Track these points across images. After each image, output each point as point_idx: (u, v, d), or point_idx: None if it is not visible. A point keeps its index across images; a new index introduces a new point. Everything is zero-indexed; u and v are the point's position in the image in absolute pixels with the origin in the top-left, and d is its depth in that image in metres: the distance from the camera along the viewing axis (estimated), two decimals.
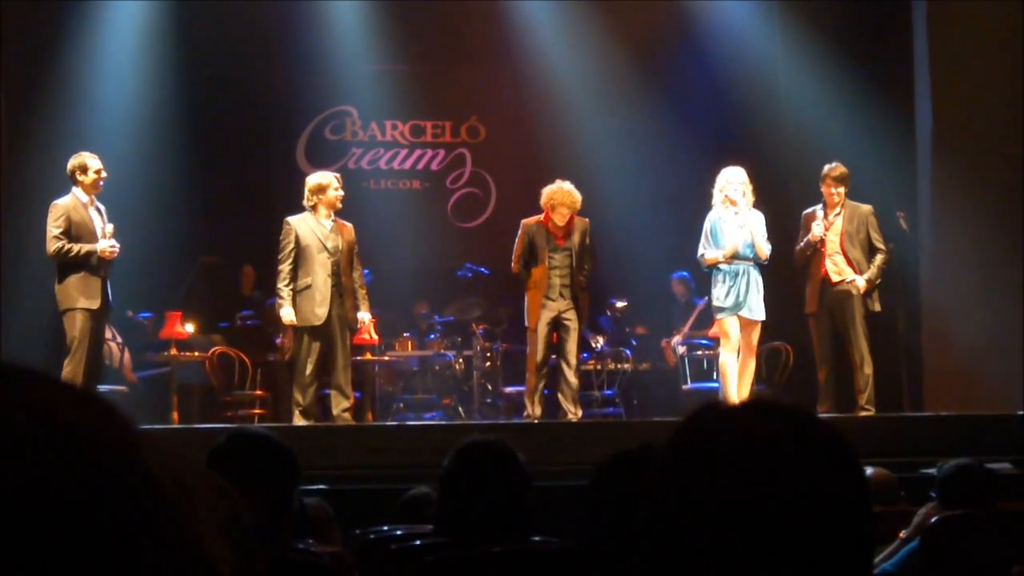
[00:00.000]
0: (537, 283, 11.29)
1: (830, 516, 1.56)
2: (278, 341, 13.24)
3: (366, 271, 11.67)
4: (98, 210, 10.61)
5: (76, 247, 10.33)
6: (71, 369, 10.16)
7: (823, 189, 11.53)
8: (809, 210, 11.60)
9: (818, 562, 1.54)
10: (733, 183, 11.13)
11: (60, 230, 10.32)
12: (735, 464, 1.57)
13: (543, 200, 11.41)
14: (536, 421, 11.10)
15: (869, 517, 1.62)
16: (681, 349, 13.73)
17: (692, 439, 1.64)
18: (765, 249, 11.10)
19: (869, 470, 6.65)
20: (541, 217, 11.40)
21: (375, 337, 12.59)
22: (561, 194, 11.36)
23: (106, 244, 10.43)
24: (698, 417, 1.67)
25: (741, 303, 11.04)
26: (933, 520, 5.13)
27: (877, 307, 11.45)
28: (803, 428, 1.64)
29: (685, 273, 14.11)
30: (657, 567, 1.59)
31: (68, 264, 10.37)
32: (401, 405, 13.82)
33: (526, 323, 11.45)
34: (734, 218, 11.09)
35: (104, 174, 10.61)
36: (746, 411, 1.67)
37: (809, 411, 1.70)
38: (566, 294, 11.31)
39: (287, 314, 10.84)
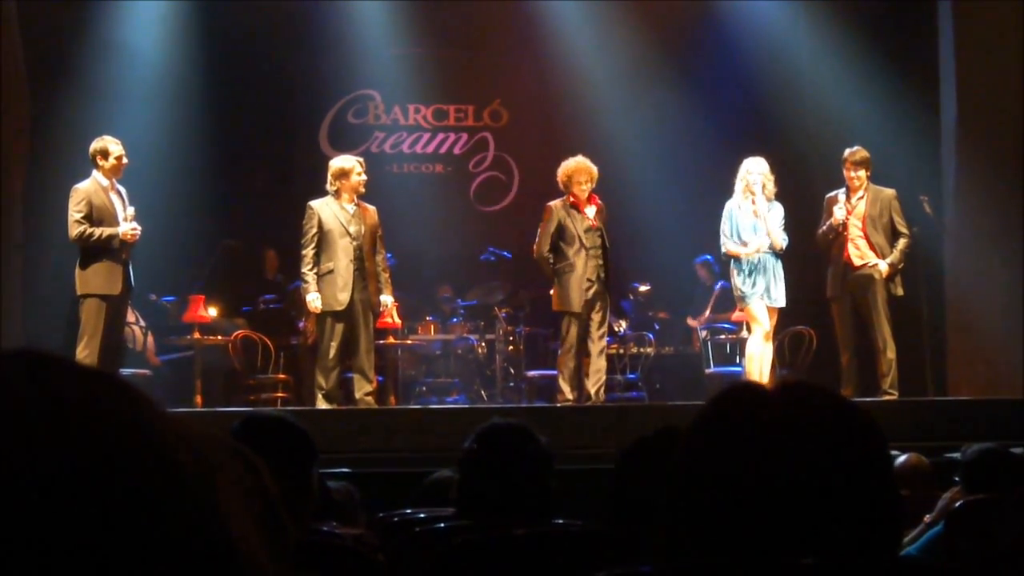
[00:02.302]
0: (572, 265, 11.22)
1: (859, 495, 1.56)
2: (301, 325, 13.25)
3: (389, 255, 11.67)
4: (119, 194, 10.62)
5: (98, 231, 10.34)
6: (85, 354, 10.16)
7: (844, 173, 11.52)
8: (831, 194, 11.59)
9: (844, 538, 1.54)
10: (754, 173, 11.14)
11: (82, 214, 10.33)
12: (765, 443, 1.57)
13: (562, 177, 11.36)
14: (568, 405, 11.08)
15: (896, 497, 1.61)
16: (703, 333, 13.72)
17: (722, 418, 1.64)
18: (780, 241, 11.11)
19: (904, 456, 6.65)
20: (567, 199, 11.35)
21: (398, 321, 12.60)
22: (578, 165, 11.32)
23: (128, 227, 10.44)
24: (728, 397, 1.67)
25: (764, 290, 11.05)
26: (957, 504, 5.11)
27: (900, 291, 11.42)
28: (832, 408, 1.64)
29: (709, 257, 14.08)
30: (684, 544, 1.59)
31: (90, 248, 10.38)
32: (424, 389, 13.82)
33: (560, 306, 11.35)
34: (752, 207, 11.10)
35: (125, 160, 10.62)
36: (776, 392, 1.67)
37: (837, 392, 1.70)
38: (598, 276, 11.27)
39: (313, 299, 10.84)
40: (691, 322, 14.32)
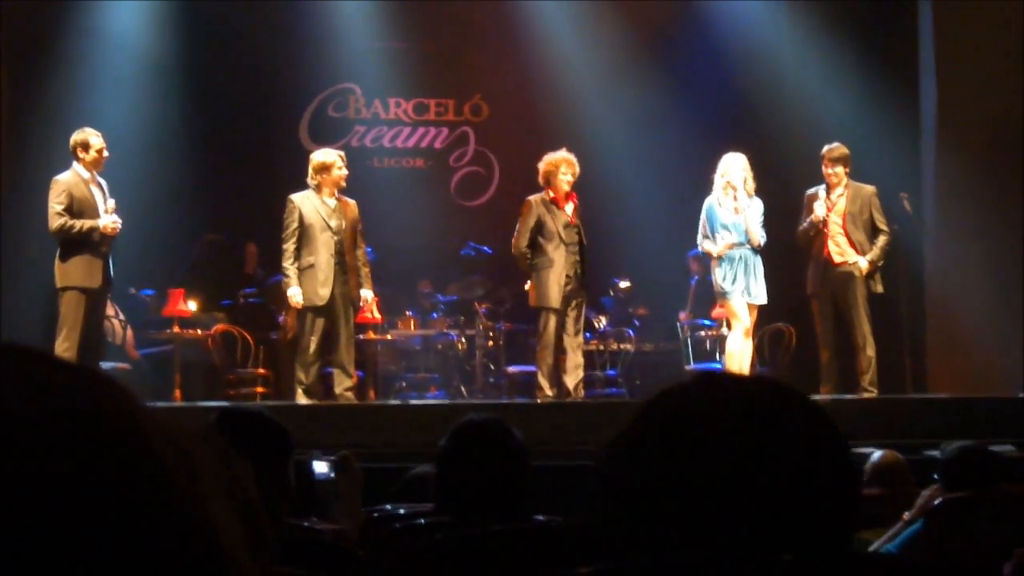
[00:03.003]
0: (551, 261, 11.21)
1: (813, 490, 1.56)
2: (281, 319, 13.23)
3: (369, 249, 11.65)
4: (99, 186, 10.59)
5: (79, 223, 10.31)
6: (64, 347, 10.13)
7: (823, 170, 11.55)
8: (811, 191, 11.62)
9: (800, 534, 1.54)
10: (735, 169, 11.15)
11: (62, 206, 10.30)
12: (718, 435, 1.57)
13: (545, 167, 11.35)
14: (547, 402, 11.08)
15: (853, 495, 1.61)
16: (685, 329, 13.73)
17: (674, 411, 1.63)
18: (758, 237, 11.13)
19: (880, 452, 6.66)
20: (545, 194, 11.34)
21: (378, 316, 12.58)
22: (561, 158, 11.32)
23: (109, 220, 10.42)
24: (678, 389, 1.66)
25: (744, 286, 11.07)
26: (936, 502, 5.12)
27: (879, 288, 11.46)
28: (784, 401, 1.63)
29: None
30: (634, 536, 1.59)
31: (70, 241, 10.35)
32: (403, 384, 13.81)
33: (538, 302, 11.34)
34: (731, 203, 11.12)
35: (107, 153, 10.60)
36: (729, 385, 1.67)
37: (787, 383, 1.70)
38: (576, 272, 11.27)
39: (294, 294, 10.82)
40: (681, 316, 14.22)
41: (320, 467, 5.74)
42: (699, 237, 11.28)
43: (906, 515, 5.65)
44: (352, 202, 11.15)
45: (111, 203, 10.54)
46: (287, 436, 3.85)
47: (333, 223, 10.89)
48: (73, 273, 10.36)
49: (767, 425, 1.58)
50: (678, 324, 14.01)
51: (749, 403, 1.61)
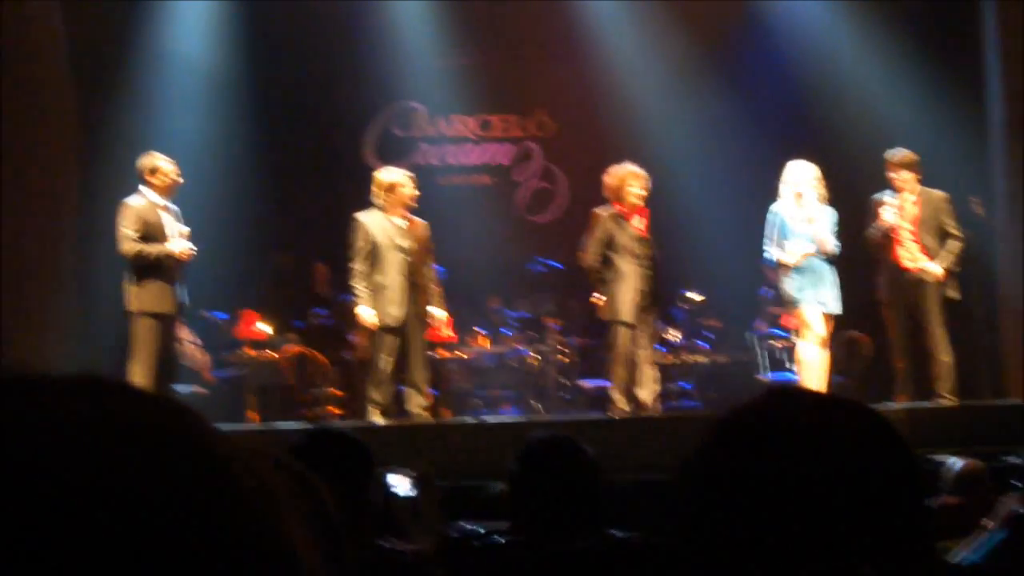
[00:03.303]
0: (623, 274, 11.18)
1: (884, 506, 1.56)
2: (353, 339, 13.27)
3: (442, 269, 11.67)
4: (170, 211, 10.64)
5: (153, 249, 10.34)
6: (138, 373, 10.16)
7: (887, 175, 11.47)
8: (877, 196, 11.52)
9: (871, 551, 1.54)
10: (806, 178, 11.08)
11: (133, 230, 10.35)
12: (781, 453, 1.57)
13: (614, 182, 11.32)
14: (623, 416, 11.04)
15: (921, 507, 1.62)
16: (757, 338, 13.66)
17: (739, 428, 1.64)
18: (829, 245, 11.04)
19: (961, 461, 6.58)
20: (614, 207, 11.31)
21: (453, 334, 12.60)
22: (631, 171, 11.30)
23: (185, 246, 10.46)
24: (744, 409, 1.66)
25: (815, 295, 10.99)
26: (1020, 511, 5.05)
27: (954, 294, 11.34)
28: (853, 418, 1.64)
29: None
30: (709, 554, 1.59)
31: (143, 266, 10.40)
32: (477, 401, 13.82)
33: (610, 315, 11.29)
34: (801, 212, 11.04)
35: (180, 179, 10.65)
36: (795, 402, 1.67)
37: (858, 400, 1.71)
38: (648, 285, 11.24)
39: (366, 313, 10.84)
40: (760, 326, 14.00)
41: (400, 484, 5.74)
42: (767, 244, 11.20)
43: (986, 522, 5.57)
44: (422, 222, 11.17)
45: (186, 230, 10.58)
46: (370, 456, 3.86)
47: (403, 242, 10.91)
48: (145, 298, 10.41)
49: (834, 441, 1.58)
50: (747, 334, 13.94)
51: (815, 420, 1.61)
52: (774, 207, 11.20)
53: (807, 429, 1.60)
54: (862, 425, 1.63)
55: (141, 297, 10.42)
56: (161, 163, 10.59)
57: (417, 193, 11.12)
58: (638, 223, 11.28)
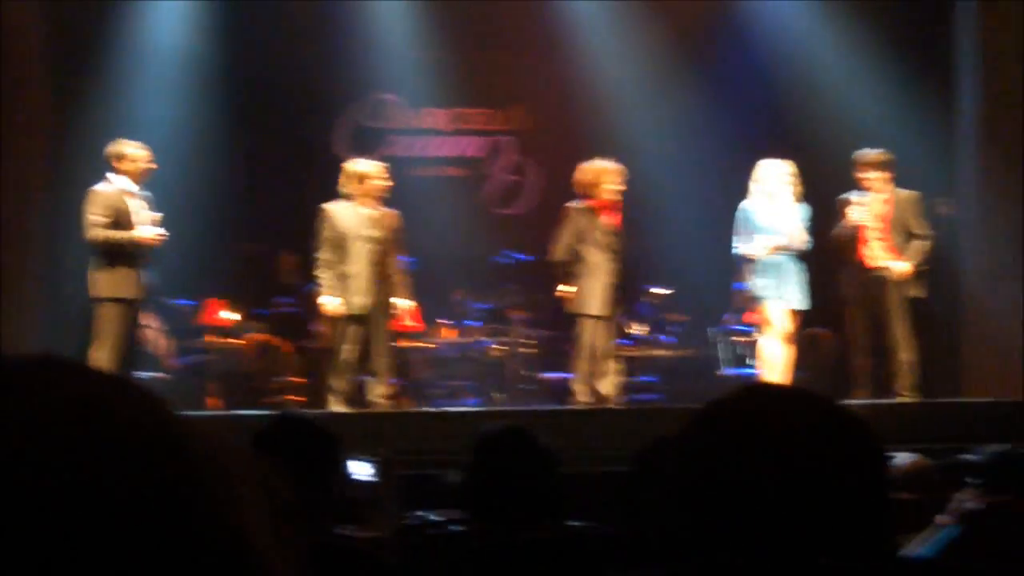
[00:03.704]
0: (593, 268, 11.20)
1: (851, 498, 1.58)
2: (316, 328, 13.25)
3: (413, 260, 11.67)
4: (140, 198, 10.60)
5: (119, 235, 10.31)
6: (99, 358, 10.14)
7: (857, 175, 11.51)
8: (843, 196, 11.57)
9: (836, 542, 1.56)
10: (781, 174, 11.13)
11: (105, 218, 10.31)
12: (760, 446, 1.58)
13: (588, 177, 11.34)
14: (583, 408, 11.07)
15: (886, 503, 1.63)
16: (717, 335, 13.68)
17: (719, 422, 1.65)
18: (798, 241, 11.09)
19: (908, 457, 6.62)
20: (588, 201, 11.33)
21: (418, 324, 12.60)
22: (607, 166, 11.32)
23: (154, 232, 10.44)
24: (722, 402, 1.68)
25: (781, 292, 11.03)
26: (976, 507, 5.09)
27: (917, 293, 11.40)
28: (822, 413, 1.66)
29: None
30: (682, 543, 1.60)
31: (107, 252, 10.36)
32: (439, 391, 13.81)
33: (578, 308, 11.30)
34: (770, 208, 11.08)
35: (153, 165, 10.62)
36: (768, 397, 1.69)
37: (828, 397, 1.73)
38: (615, 279, 11.27)
39: (327, 301, 10.84)
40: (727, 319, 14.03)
41: (361, 470, 5.74)
42: (735, 240, 11.25)
43: (939, 518, 5.61)
44: (392, 211, 11.17)
45: (158, 216, 10.55)
46: (336, 446, 3.87)
47: (370, 232, 10.91)
48: (108, 284, 10.38)
49: (804, 436, 1.60)
50: (710, 330, 13.97)
51: (789, 415, 1.63)
52: (744, 204, 11.25)
53: (782, 424, 1.61)
54: (835, 421, 1.65)
55: (106, 283, 10.39)
56: (129, 150, 10.55)
57: (390, 183, 11.12)
58: (609, 218, 11.30)
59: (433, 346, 13.81)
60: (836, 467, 1.59)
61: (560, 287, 11.50)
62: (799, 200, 11.20)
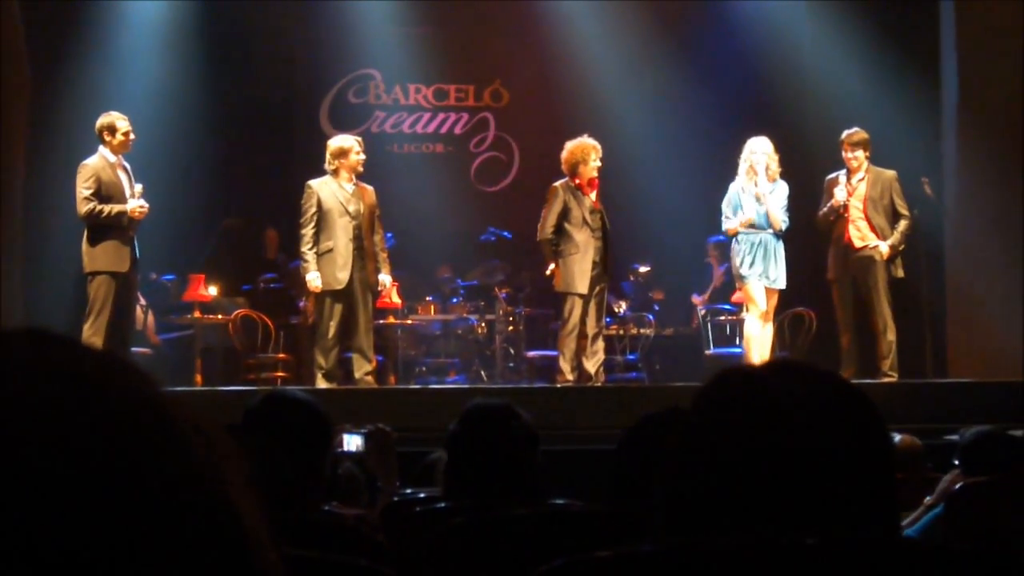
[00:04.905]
0: (578, 246, 11.20)
1: (855, 473, 1.57)
2: (301, 304, 13.26)
3: (388, 235, 11.66)
4: (125, 170, 10.60)
5: (107, 207, 10.30)
6: (92, 332, 10.14)
7: (842, 154, 11.53)
8: (831, 176, 11.59)
9: (843, 518, 1.55)
10: (757, 153, 11.15)
11: (91, 191, 10.30)
12: (760, 423, 1.58)
13: (569, 156, 11.34)
14: (568, 386, 11.08)
15: (893, 475, 1.63)
16: (703, 312, 13.71)
17: (717, 400, 1.65)
18: (779, 220, 11.11)
19: (897, 437, 6.64)
20: (570, 180, 11.33)
21: (398, 301, 12.60)
22: (588, 143, 11.33)
23: (136, 204, 10.42)
24: (723, 379, 1.68)
25: (763, 271, 11.06)
26: (957, 487, 5.12)
27: (900, 273, 11.43)
28: (828, 387, 1.66)
29: (723, 238, 14.08)
30: (680, 523, 1.60)
31: (98, 226, 10.35)
32: (423, 369, 13.83)
33: (564, 287, 11.31)
34: (754, 188, 11.10)
35: (132, 135, 10.61)
36: (770, 372, 1.69)
37: (832, 371, 1.72)
38: (600, 257, 11.28)
39: (313, 278, 10.84)
40: (695, 300, 14.26)
41: (352, 443, 5.72)
42: (723, 217, 11.28)
43: (927, 500, 5.64)
44: (370, 188, 11.17)
45: (139, 187, 10.54)
46: (329, 426, 3.87)
47: (351, 208, 10.91)
48: (101, 258, 10.37)
49: (814, 409, 1.60)
50: (695, 309, 14.02)
51: (791, 391, 1.62)
52: (732, 184, 11.27)
53: (789, 396, 1.61)
54: (844, 395, 1.65)
55: (98, 256, 10.37)
56: (117, 121, 10.54)
57: (363, 157, 11.10)
58: (593, 196, 11.32)
59: (417, 323, 13.81)
60: (845, 440, 1.59)
61: (549, 266, 11.49)
62: (776, 178, 11.20)
